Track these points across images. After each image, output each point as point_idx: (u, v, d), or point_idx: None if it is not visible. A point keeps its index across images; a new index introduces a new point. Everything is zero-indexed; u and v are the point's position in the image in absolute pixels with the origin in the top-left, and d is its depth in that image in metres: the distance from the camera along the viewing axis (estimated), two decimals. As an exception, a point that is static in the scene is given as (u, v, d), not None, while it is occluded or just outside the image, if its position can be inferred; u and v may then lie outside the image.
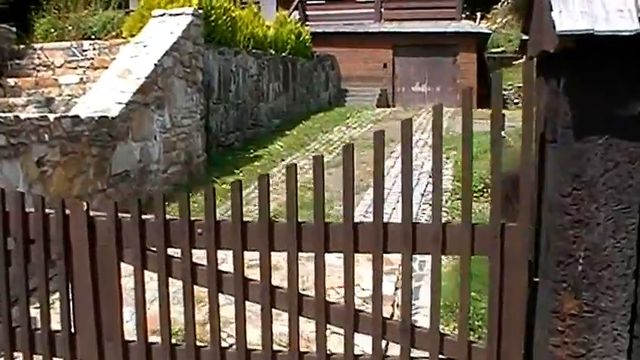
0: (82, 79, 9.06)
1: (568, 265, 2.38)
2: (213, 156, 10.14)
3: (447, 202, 7.81)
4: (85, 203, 2.93)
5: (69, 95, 8.75)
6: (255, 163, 10.24)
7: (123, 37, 9.94)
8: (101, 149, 6.92)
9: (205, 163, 9.67)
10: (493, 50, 27.31)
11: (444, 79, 21.35)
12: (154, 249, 2.87)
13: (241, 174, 9.49)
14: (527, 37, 3.14)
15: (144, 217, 2.85)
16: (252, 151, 11.15)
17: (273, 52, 14.22)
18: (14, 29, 10.34)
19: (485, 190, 8.24)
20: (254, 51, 12.77)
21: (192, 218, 2.80)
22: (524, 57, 3.21)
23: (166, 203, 2.84)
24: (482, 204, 7.97)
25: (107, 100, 7.42)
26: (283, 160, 10.57)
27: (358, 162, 10.96)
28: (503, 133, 8.47)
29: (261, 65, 13.21)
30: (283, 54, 15.01)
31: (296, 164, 2.81)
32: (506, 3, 35.82)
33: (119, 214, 2.88)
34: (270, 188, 2.82)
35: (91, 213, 2.91)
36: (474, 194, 8.22)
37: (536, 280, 2.65)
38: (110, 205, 2.90)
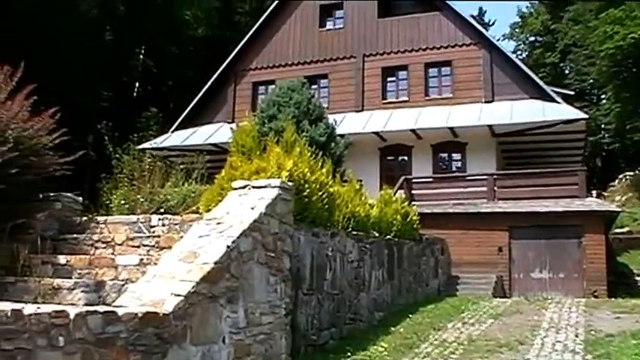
0: (142, 260, 7.39)
1: None
2: (299, 361, 8.03)
3: None
4: None
5: (123, 280, 7.08)
6: (353, 373, 8.00)
7: (198, 213, 8.39)
8: (144, 356, 5.14)
9: (289, 371, 7.56)
10: (617, 230, 24.83)
11: (567, 265, 18.90)
12: None
13: (334, 389, 7.29)
14: None
15: None
16: (349, 354, 8.94)
17: (377, 235, 12.37)
18: (80, 199, 9.07)
19: None
20: (354, 233, 10.93)
21: None
22: None
23: None
24: None
25: (161, 290, 5.68)
26: (388, 368, 8.28)
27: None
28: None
29: (362, 249, 11.30)
30: (388, 236, 13.14)
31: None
32: (624, 179, 33.23)
33: None
34: None
35: None
36: None
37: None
38: None
